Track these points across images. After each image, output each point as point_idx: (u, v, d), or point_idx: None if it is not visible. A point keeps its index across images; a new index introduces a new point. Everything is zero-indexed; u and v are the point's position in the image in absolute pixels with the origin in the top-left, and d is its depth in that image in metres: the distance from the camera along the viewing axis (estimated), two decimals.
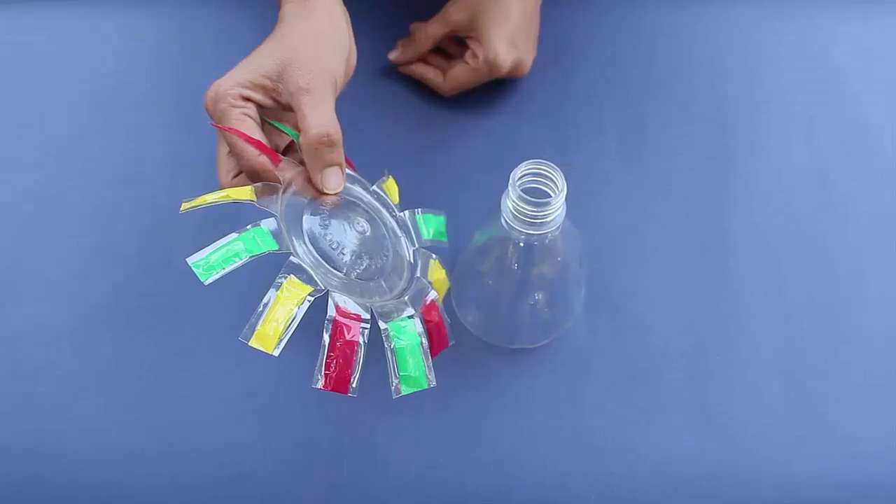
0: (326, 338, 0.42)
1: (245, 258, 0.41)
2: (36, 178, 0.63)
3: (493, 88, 0.66)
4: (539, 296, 0.53)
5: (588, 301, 0.58)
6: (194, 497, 0.53)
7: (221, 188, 0.50)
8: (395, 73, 0.66)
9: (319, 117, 0.47)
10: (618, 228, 0.61)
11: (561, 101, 0.66)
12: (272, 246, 0.43)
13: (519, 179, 0.46)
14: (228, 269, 0.41)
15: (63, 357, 0.57)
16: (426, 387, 0.43)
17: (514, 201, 0.46)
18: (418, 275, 0.50)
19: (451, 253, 0.58)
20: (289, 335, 0.41)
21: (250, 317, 0.41)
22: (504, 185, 0.47)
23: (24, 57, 0.69)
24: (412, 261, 0.51)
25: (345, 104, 0.51)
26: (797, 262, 0.60)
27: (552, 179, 0.46)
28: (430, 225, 0.55)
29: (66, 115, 0.66)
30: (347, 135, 0.49)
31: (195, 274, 0.40)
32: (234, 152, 0.48)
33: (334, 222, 0.48)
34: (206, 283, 0.40)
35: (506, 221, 0.47)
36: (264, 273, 0.59)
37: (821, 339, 0.57)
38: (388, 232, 0.51)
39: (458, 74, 0.63)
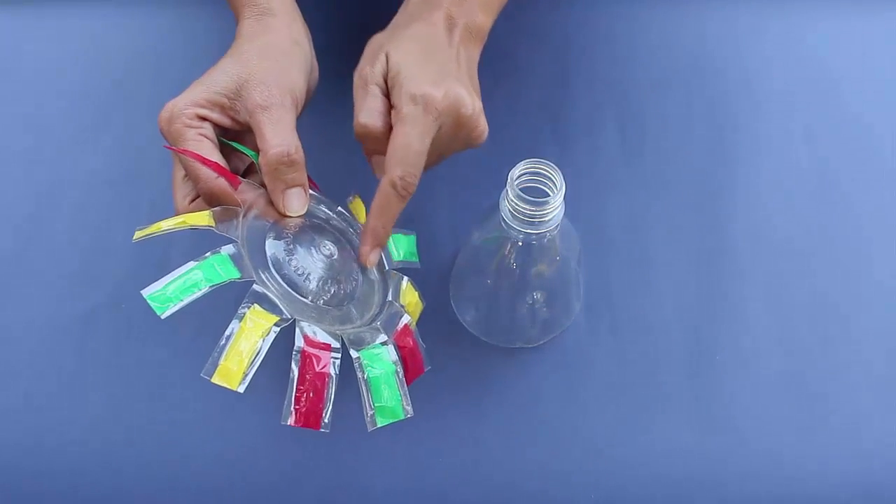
0: (295, 370, 0.40)
1: (205, 288, 0.39)
2: (34, 178, 0.63)
3: (490, 88, 0.66)
4: (538, 295, 0.53)
5: (588, 300, 0.58)
6: (194, 497, 0.53)
7: (177, 213, 0.47)
8: None
9: (279, 136, 0.45)
10: (617, 227, 0.61)
11: (560, 100, 0.66)
12: (234, 274, 0.40)
13: (517, 178, 0.46)
14: (187, 300, 0.39)
15: (61, 357, 0.57)
16: (402, 417, 0.42)
17: (512, 200, 0.46)
18: (390, 298, 0.48)
19: (450, 252, 0.58)
20: (254, 369, 0.39)
21: (213, 351, 0.39)
22: (502, 184, 0.47)
23: (21, 56, 0.69)
24: (383, 284, 0.49)
25: (316, 120, 0.50)
26: (797, 261, 0.60)
27: (551, 178, 0.46)
28: (401, 245, 0.53)
29: (64, 115, 0.66)
30: (323, 151, 0.47)
31: (151, 308, 0.38)
32: (189, 175, 0.46)
33: (299, 247, 0.46)
34: (163, 316, 0.38)
35: (504, 221, 0.47)
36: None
37: (821, 339, 0.57)
38: (356, 255, 0.49)
39: (401, 141, 0.46)
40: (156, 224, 0.42)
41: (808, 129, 0.65)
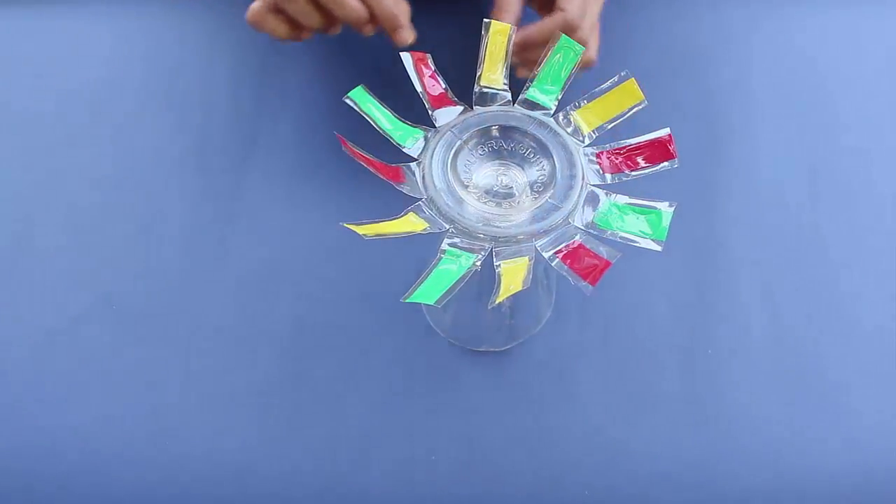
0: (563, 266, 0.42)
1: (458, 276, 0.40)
2: (27, 179, 0.64)
3: None
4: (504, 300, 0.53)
5: (581, 296, 0.57)
6: (191, 497, 0.53)
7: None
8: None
9: None
10: None
11: None
12: (469, 262, 0.41)
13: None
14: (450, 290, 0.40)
15: (55, 358, 0.57)
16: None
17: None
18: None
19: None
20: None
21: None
22: None
23: (19, 56, 0.70)
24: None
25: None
26: (790, 257, 0.60)
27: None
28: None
29: (57, 116, 0.67)
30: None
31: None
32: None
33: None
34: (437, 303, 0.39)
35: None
36: (249, 270, 0.59)
37: (812, 334, 0.57)
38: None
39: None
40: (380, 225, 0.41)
41: (800, 125, 0.65)
